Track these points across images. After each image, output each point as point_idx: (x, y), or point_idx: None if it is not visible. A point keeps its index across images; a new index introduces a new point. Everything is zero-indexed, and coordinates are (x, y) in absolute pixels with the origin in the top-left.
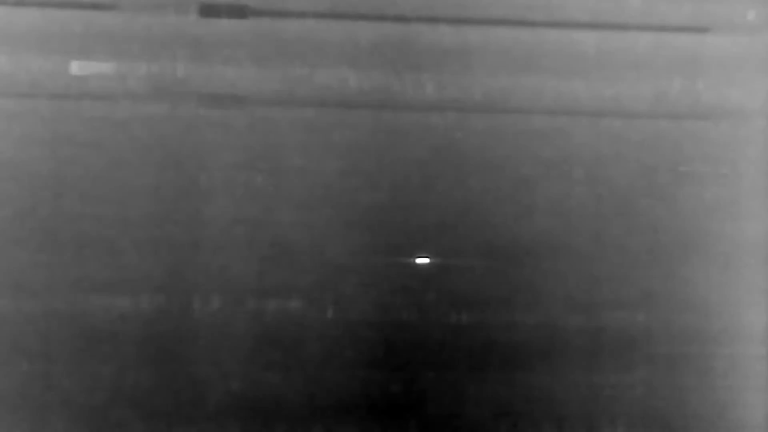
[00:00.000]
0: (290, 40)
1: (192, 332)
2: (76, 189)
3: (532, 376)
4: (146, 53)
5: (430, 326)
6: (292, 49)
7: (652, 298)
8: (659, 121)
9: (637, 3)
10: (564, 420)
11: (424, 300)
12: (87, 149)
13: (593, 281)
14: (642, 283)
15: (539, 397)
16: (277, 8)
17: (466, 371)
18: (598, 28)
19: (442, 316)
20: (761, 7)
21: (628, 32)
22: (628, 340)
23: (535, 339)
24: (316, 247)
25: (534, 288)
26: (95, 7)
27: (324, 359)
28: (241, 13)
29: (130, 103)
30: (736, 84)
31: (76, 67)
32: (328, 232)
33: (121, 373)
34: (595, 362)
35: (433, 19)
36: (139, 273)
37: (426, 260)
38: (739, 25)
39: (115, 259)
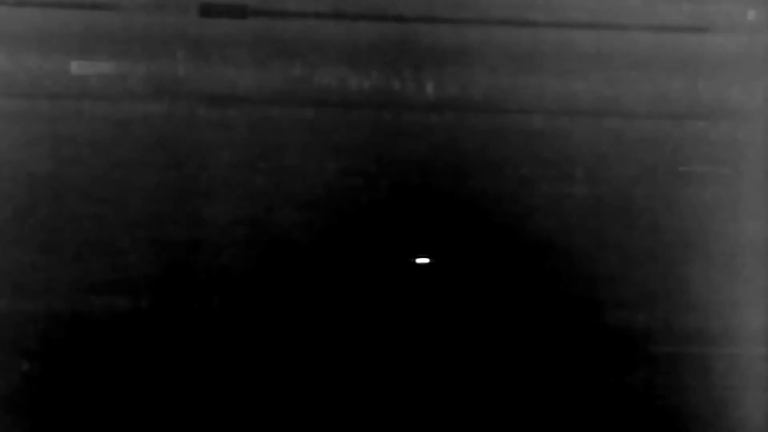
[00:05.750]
0: (290, 40)
1: (192, 332)
2: (76, 189)
3: (533, 376)
4: (146, 53)
5: (430, 325)
6: (292, 49)
7: (652, 298)
8: (659, 121)
9: (637, 3)
10: (564, 419)
11: (424, 300)
12: (87, 149)
13: (593, 281)
14: (642, 283)
15: (540, 396)
16: (277, 8)
17: (466, 371)
18: (598, 28)
19: (441, 316)
20: (761, 7)
21: (628, 32)
22: (628, 340)
23: (535, 339)
24: (316, 247)
25: (534, 288)
26: (95, 7)
27: (324, 359)
28: (241, 13)
29: (130, 103)
30: (736, 84)
31: (76, 67)
32: (328, 232)
33: (121, 373)
34: (595, 362)
35: (433, 19)
36: (139, 273)
37: (426, 260)
38: (739, 25)
39: (115, 259)
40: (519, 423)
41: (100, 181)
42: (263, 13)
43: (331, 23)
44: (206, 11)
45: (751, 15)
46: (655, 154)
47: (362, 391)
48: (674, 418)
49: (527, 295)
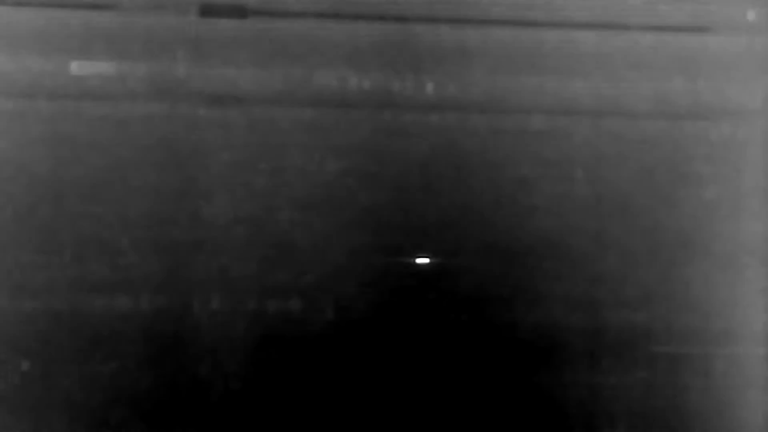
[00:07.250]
0: (290, 40)
1: (192, 332)
2: (76, 189)
3: (533, 376)
4: (146, 53)
5: (430, 326)
6: (292, 49)
7: (652, 298)
8: (659, 121)
9: (637, 3)
10: (564, 420)
11: (424, 300)
12: (87, 149)
13: (593, 281)
14: (642, 283)
15: (539, 397)
16: (277, 8)
17: (466, 371)
18: (598, 28)
19: (442, 316)
20: (761, 7)
21: (628, 32)
22: (628, 340)
23: (535, 339)
24: (316, 247)
25: (534, 288)
26: (95, 7)
27: (323, 359)
28: (241, 13)
29: (130, 103)
30: (736, 84)
31: (76, 67)
32: (328, 232)
33: (121, 373)
34: (595, 362)
35: (433, 19)
36: (139, 273)
37: (426, 260)
38: (739, 25)
39: (115, 259)
40: (518, 422)
41: (100, 181)
42: (263, 13)
43: (331, 23)
44: (206, 11)
45: (751, 15)
46: (655, 154)
47: (362, 391)
48: (674, 418)
49: (527, 294)
